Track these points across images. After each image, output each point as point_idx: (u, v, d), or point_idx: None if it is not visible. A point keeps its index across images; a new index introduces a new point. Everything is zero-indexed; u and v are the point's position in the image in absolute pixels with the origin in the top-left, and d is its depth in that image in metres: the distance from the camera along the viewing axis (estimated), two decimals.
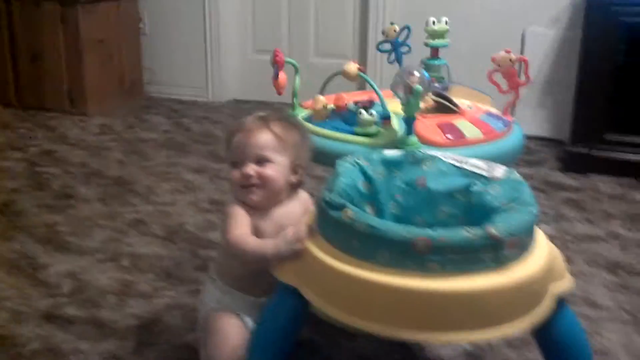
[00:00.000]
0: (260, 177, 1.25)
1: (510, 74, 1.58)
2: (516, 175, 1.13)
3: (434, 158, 1.22)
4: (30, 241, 2.05)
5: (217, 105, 3.84)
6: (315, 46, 3.75)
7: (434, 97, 1.57)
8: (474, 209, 1.13)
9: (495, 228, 0.95)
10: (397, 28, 1.82)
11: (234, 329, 1.28)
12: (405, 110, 1.39)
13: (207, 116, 3.59)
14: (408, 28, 1.79)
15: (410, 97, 1.36)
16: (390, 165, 1.22)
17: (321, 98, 1.60)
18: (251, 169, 1.25)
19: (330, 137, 1.49)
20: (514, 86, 1.59)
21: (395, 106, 1.56)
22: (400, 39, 1.81)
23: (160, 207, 2.33)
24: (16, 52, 3.63)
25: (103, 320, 1.62)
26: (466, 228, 0.95)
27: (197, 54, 3.91)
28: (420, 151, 1.24)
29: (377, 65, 3.41)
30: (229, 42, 3.90)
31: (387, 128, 1.46)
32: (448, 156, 1.22)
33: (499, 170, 1.15)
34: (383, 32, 1.86)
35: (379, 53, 1.89)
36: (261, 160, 1.26)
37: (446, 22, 1.77)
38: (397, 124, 1.47)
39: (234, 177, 1.27)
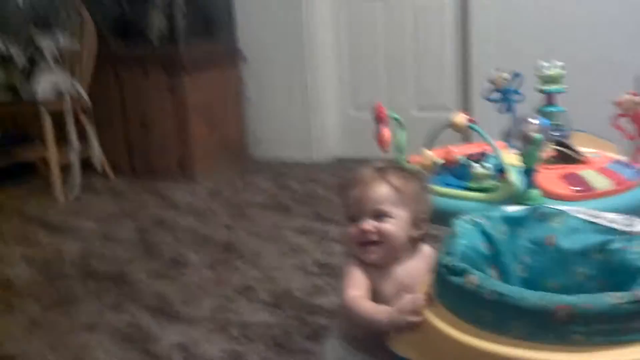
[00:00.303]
0: (379, 233, 1.18)
1: (638, 118, 1.44)
2: None
3: (563, 213, 1.09)
4: (142, 311, 2.05)
5: (319, 164, 3.82)
6: (416, 99, 3.68)
7: (554, 146, 1.44)
8: (615, 270, 0.99)
9: None
10: (506, 75, 1.72)
11: None
12: (524, 162, 1.28)
13: (311, 177, 3.58)
14: (519, 75, 1.69)
15: (529, 147, 1.25)
16: (514, 223, 1.10)
17: (429, 153, 1.51)
18: (369, 224, 1.18)
19: (442, 193, 1.39)
20: None
21: (510, 158, 1.45)
22: (512, 87, 1.70)
23: (267, 272, 2.29)
24: (127, 121, 3.79)
25: None
26: (610, 293, 0.82)
27: (299, 114, 3.93)
28: (546, 206, 1.12)
29: (481, 116, 3.28)
30: (328, 100, 3.90)
31: (504, 182, 1.34)
32: (579, 211, 1.09)
33: None
34: (491, 82, 1.76)
35: (483, 103, 1.78)
36: (380, 215, 1.18)
37: (562, 67, 1.64)
38: (515, 177, 1.36)
39: (351, 234, 1.20)
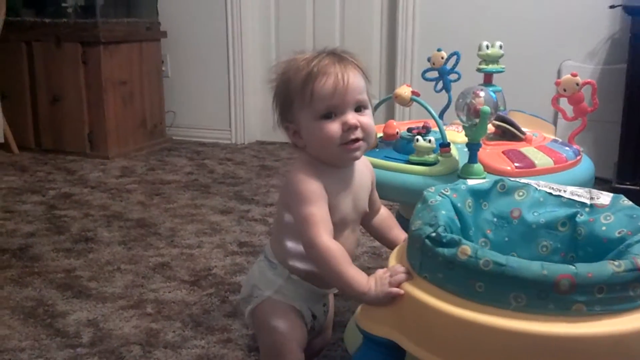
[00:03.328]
0: (362, 127, 1.03)
1: (576, 99, 1.44)
2: (626, 201, 0.98)
3: (526, 186, 1.06)
4: (48, 287, 1.90)
5: (240, 146, 3.73)
6: None
7: (497, 123, 1.42)
8: (583, 242, 0.97)
9: None
10: (445, 55, 1.69)
11: (298, 327, 1.13)
12: (469, 136, 1.25)
13: (231, 157, 3.48)
14: (457, 54, 1.66)
15: (475, 120, 1.21)
16: (478, 196, 1.05)
17: None
18: (355, 118, 1.03)
19: (382, 166, 1.34)
20: (581, 113, 1.44)
21: (451, 134, 1.43)
22: (449, 65, 1.68)
23: (185, 250, 2.18)
24: (36, 93, 3.56)
25: None
26: (608, 261, 0.80)
27: (220, 96, 3.83)
28: (510, 179, 1.09)
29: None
30: (253, 83, 3.81)
31: (446, 156, 1.31)
32: (540, 184, 1.07)
33: (604, 197, 1.00)
34: (429, 60, 1.74)
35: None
36: (360, 107, 1.04)
37: (500, 47, 1.64)
38: (455, 153, 1.33)
39: (331, 132, 1.02)
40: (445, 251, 0.85)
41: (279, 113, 1.09)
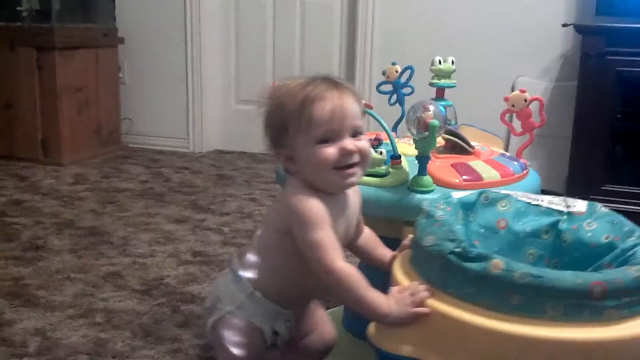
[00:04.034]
0: (360, 152, 1.03)
1: (524, 115, 1.47)
2: (603, 208, 1.04)
3: (508, 197, 1.09)
4: None
5: (197, 155, 3.71)
6: None
7: (446, 136, 1.45)
8: (569, 248, 1.02)
9: None
10: (399, 68, 1.72)
11: (257, 345, 1.12)
12: (419, 148, 1.26)
13: (188, 166, 3.45)
14: (411, 68, 1.69)
15: (425, 134, 1.23)
16: (466, 208, 1.07)
17: None
18: (352, 143, 1.02)
19: None
20: (529, 128, 1.48)
21: (403, 147, 1.44)
22: (403, 79, 1.70)
23: (138, 259, 2.16)
24: None
25: None
26: (627, 267, 0.86)
27: (179, 104, 3.81)
28: (492, 191, 1.11)
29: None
30: (212, 92, 3.80)
31: (396, 168, 1.33)
32: (520, 194, 1.10)
33: (580, 204, 1.05)
34: (384, 73, 1.76)
35: (375, 97, 1.78)
36: (356, 133, 1.04)
37: (453, 62, 1.67)
38: (406, 165, 1.35)
39: (328, 157, 1.01)
40: (475, 266, 0.85)
41: (271, 139, 1.08)
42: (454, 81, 1.67)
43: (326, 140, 1.02)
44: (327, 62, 3.58)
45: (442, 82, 1.66)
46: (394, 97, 1.73)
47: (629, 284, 0.83)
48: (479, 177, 1.32)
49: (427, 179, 1.29)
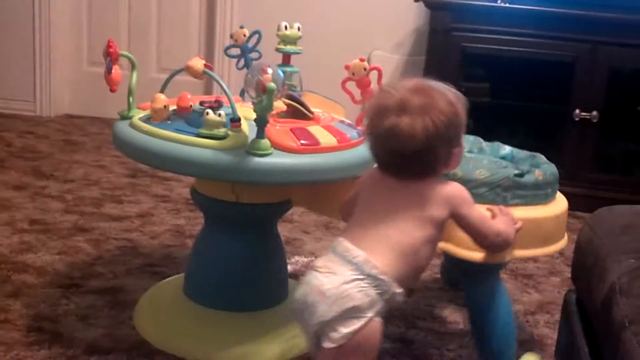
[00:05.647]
0: None
1: (364, 84, 1.51)
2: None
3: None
4: None
5: (45, 119, 3.50)
6: (158, 61, 3.54)
7: (287, 101, 1.45)
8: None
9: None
10: (247, 32, 1.70)
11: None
12: (257, 111, 1.26)
13: (33, 130, 3.25)
14: (258, 33, 1.68)
15: (263, 97, 1.23)
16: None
17: (162, 97, 1.43)
18: None
19: (171, 139, 1.32)
20: (368, 96, 1.51)
21: (245, 112, 1.43)
22: (250, 44, 1.69)
23: None
24: None
25: None
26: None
27: (24, 63, 3.54)
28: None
29: (224, 72, 3.25)
30: (63, 51, 3.58)
31: (236, 131, 1.32)
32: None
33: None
34: (231, 36, 1.73)
35: (227, 61, 1.76)
36: None
37: (299, 29, 1.67)
38: (246, 127, 1.34)
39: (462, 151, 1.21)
40: (529, 177, 1.34)
41: (448, 141, 1.16)
42: (300, 47, 1.67)
43: None
44: (185, 22, 3.47)
45: (288, 48, 1.66)
46: (242, 61, 1.71)
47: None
48: (316, 142, 1.34)
49: (264, 142, 1.29)
